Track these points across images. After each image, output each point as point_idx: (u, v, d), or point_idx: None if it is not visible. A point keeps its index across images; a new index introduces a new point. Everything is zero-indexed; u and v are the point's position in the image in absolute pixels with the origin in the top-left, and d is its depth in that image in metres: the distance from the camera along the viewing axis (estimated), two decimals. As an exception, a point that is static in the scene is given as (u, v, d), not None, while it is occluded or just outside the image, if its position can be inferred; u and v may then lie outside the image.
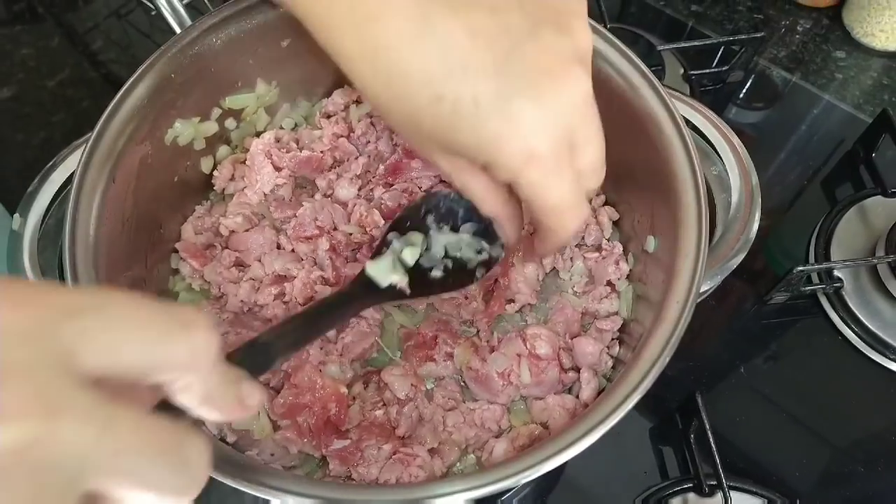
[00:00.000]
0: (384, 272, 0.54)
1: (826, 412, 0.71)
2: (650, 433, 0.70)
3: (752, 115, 0.95)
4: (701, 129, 0.61)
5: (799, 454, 0.69)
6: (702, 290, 0.51)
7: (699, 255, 0.49)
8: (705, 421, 0.63)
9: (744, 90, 0.96)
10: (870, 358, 0.74)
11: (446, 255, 0.57)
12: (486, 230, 0.57)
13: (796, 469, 0.68)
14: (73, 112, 0.95)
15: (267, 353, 0.42)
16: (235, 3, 0.60)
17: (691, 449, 0.66)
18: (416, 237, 0.57)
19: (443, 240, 0.57)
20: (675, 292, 0.49)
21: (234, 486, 0.42)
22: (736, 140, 0.61)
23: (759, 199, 0.58)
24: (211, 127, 0.64)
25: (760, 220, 0.84)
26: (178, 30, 0.76)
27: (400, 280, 0.54)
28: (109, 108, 0.54)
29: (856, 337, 0.74)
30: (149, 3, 1.02)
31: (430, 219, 0.58)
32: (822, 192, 0.87)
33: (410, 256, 0.56)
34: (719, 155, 0.60)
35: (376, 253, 0.56)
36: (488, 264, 0.57)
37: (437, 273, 0.56)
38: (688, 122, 0.60)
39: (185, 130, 0.61)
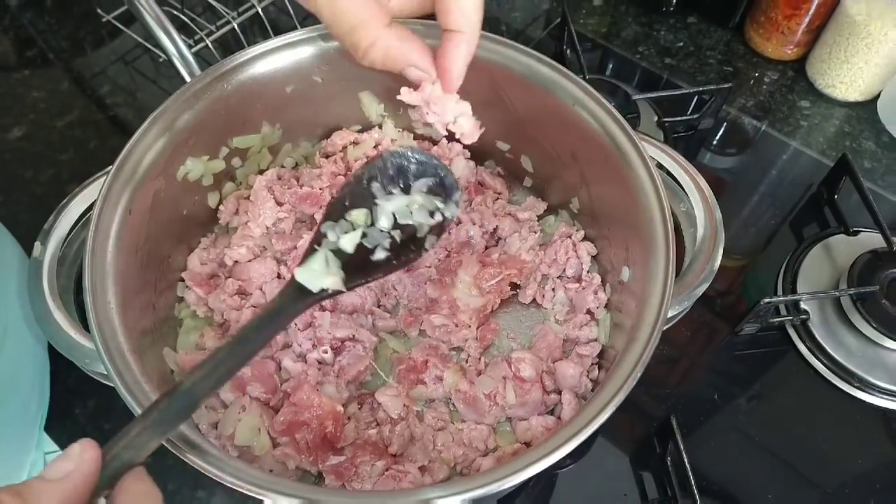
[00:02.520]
0: (315, 275, 0.52)
1: (795, 438, 0.75)
2: (630, 458, 0.73)
3: (725, 160, 1.01)
4: (671, 170, 0.66)
5: (770, 478, 0.72)
6: (670, 315, 0.56)
7: (667, 281, 0.54)
8: (680, 443, 0.67)
9: (716, 137, 1.02)
10: (836, 386, 0.78)
11: (395, 226, 0.55)
12: (441, 184, 0.56)
13: (768, 492, 0.71)
14: (80, 152, 0.99)
15: (189, 397, 0.45)
16: (243, 53, 0.65)
17: (668, 471, 0.70)
18: (359, 214, 0.55)
19: (391, 206, 0.56)
20: (646, 316, 0.53)
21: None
22: (702, 181, 0.67)
23: (723, 234, 0.63)
24: (218, 164, 0.69)
25: (737, 258, 0.90)
26: (187, 76, 0.82)
27: (332, 282, 0.52)
28: (129, 144, 0.59)
29: (822, 366, 0.79)
30: (158, 52, 1.08)
31: (376, 186, 0.56)
32: (791, 231, 0.93)
33: (350, 242, 0.54)
34: (687, 194, 0.65)
35: (308, 252, 0.55)
36: (440, 229, 0.56)
37: (380, 255, 0.54)
38: (659, 164, 0.66)
39: (195, 167, 0.66)
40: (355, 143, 0.77)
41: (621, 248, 0.66)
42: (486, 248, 0.75)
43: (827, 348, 0.79)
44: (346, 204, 0.56)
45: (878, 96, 1.04)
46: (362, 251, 0.54)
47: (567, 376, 0.63)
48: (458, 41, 0.49)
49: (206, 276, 0.69)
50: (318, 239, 0.55)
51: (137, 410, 0.47)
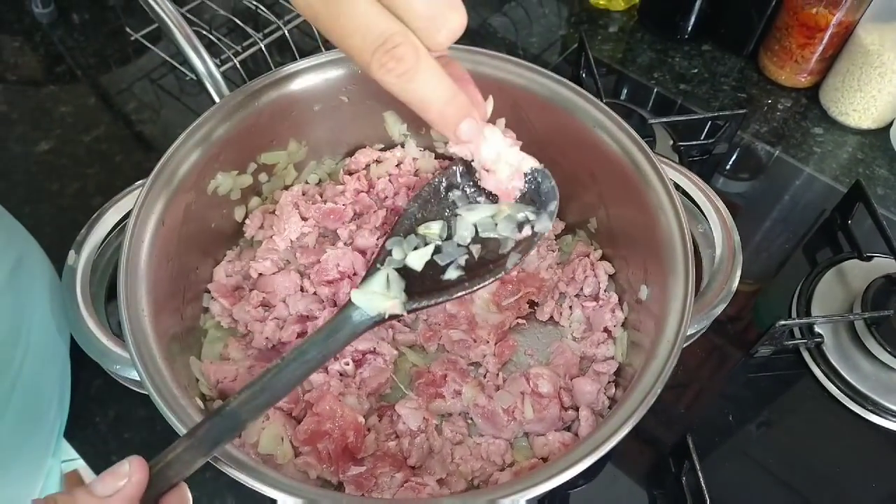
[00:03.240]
0: (373, 297, 0.48)
1: (809, 463, 0.75)
2: (644, 478, 0.74)
3: (738, 185, 1.03)
4: (688, 192, 0.67)
5: (784, 501, 0.73)
6: (689, 334, 0.57)
7: (686, 300, 0.55)
8: (696, 463, 0.67)
9: (730, 162, 1.04)
10: (850, 410, 0.78)
11: (475, 239, 0.50)
12: (536, 191, 0.49)
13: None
14: (106, 166, 1.01)
15: (234, 419, 0.45)
16: (277, 72, 0.68)
17: (683, 491, 0.70)
18: (433, 227, 0.50)
19: (474, 217, 0.50)
20: (666, 333, 0.54)
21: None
22: (720, 203, 0.68)
23: (741, 255, 0.65)
24: (246, 179, 0.71)
25: (750, 283, 0.91)
26: (215, 95, 0.84)
27: (392, 306, 0.48)
28: (166, 155, 0.61)
29: (837, 390, 0.79)
30: (183, 70, 1.11)
31: (456, 195, 0.51)
32: (804, 256, 0.94)
33: (419, 259, 0.49)
34: (705, 215, 0.67)
35: (370, 270, 0.51)
36: (527, 245, 0.49)
37: (452, 274, 0.49)
38: (677, 186, 0.67)
39: (224, 181, 0.68)
40: (378, 161, 0.79)
41: (639, 267, 0.67)
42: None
43: (841, 372, 0.79)
44: (418, 216, 0.51)
45: (891, 124, 1.05)
46: (432, 269, 0.50)
47: (584, 392, 0.64)
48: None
49: (231, 287, 0.70)
50: (382, 257, 0.51)
51: (169, 415, 0.48)
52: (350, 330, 0.49)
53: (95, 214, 0.66)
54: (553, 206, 0.50)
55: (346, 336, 0.49)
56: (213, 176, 0.67)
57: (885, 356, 0.78)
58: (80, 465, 0.84)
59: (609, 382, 0.67)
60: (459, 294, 0.49)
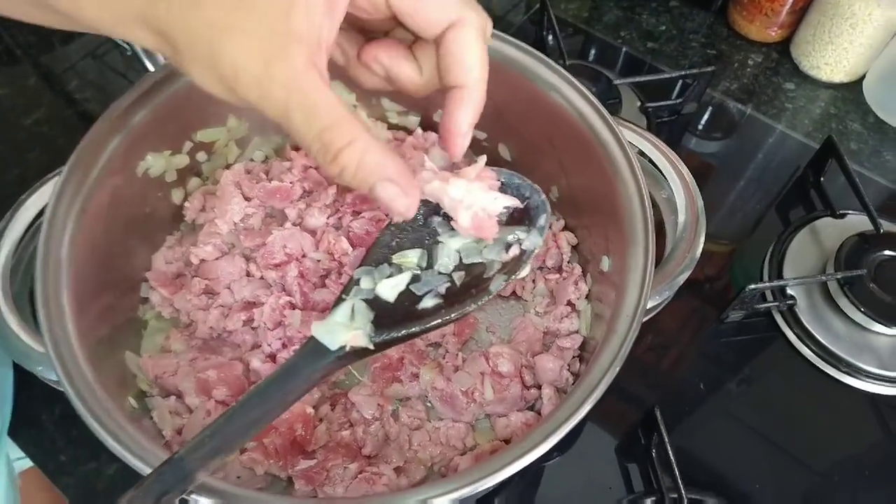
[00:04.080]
0: (335, 329, 0.44)
1: (783, 425, 0.73)
2: (615, 449, 0.72)
3: (710, 144, 0.99)
4: (651, 157, 0.64)
5: (757, 467, 0.71)
6: (651, 306, 0.54)
7: (646, 271, 0.52)
8: (664, 435, 0.65)
9: (701, 122, 1.00)
10: (824, 372, 0.76)
11: (458, 266, 0.46)
12: (525, 209, 0.46)
13: (756, 481, 0.70)
14: (47, 150, 0.96)
15: (181, 469, 0.40)
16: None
17: (653, 463, 0.68)
18: (410, 255, 0.46)
19: (457, 243, 0.47)
20: (625, 306, 0.51)
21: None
22: (683, 167, 0.64)
23: (704, 220, 0.61)
24: (182, 159, 0.67)
25: (725, 244, 0.88)
26: (150, 66, 0.79)
27: (354, 337, 0.43)
28: (83, 141, 0.56)
29: (810, 352, 0.77)
30: (124, 45, 1.05)
31: (437, 221, 0.47)
32: (777, 215, 0.91)
33: (391, 289, 0.45)
34: (668, 180, 0.63)
35: (336, 302, 0.46)
36: (514, 265, 0.46)
37: (428, 302, 0.45)
38: (640, 152, 0.64)
39: (156, 163, 0.63)
40: (327, 134, 0.74)
41: (601, 237, 0.64)
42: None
43: (814, 334, 0.77)
44: (393, 245, 0.47)
45: (863, 77, 1.02)
46: (407, 298, 0.45)
47: (547, 370, 0.61)
48: (462, 98, 0.42)
49: (172, 275, 0.66)
50: (349, 287, 0.46)
51: (89, 418, 0.45)
52: (310, 367, 0.44)
53: (15, 205, 0.61)
54: (543, 219, 0.46)
55: (306, 374, 0.44)
56: (143, 157, 0.62)
57: (858, 316, 0.76)
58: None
59: (574, 357, 0.64)
60: (435, 324, 0.45)
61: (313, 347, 0.44)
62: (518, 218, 0.47)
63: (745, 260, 0.87)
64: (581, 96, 0.62)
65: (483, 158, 0.48)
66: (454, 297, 0.45)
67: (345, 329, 0.44)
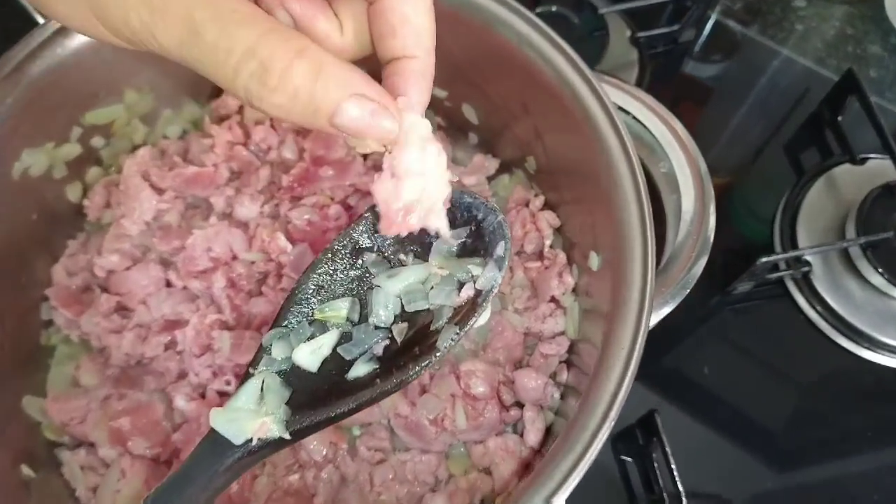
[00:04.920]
0: (239, 417, 0.34)
1: (796, 408, 0.66)
2: (612, 442, 0.64)
3: (709, 68, 0.87)
4: (646, 123, 0.52)
5: (768, 459, 0.64)
6: (661, 314, 0.44)
7: (646, 284, 0.42)
8: (665, 442, 0.57)
9: (699, 44, 0.87)
10: (841, 345, 0.68)
11: (401, 316, 0.37)
12: (477, 233, 0.36)
13: (768, 480, 0.63)
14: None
15: None
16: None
17: (653, 467, 0.60)
18: (339, 307, 0.37)
19: (397, 287, 0.36)
20: (618, 335, 0.41)
21: None
22: (679, 127, 0.53)
23: (712, 192, 0.51)
24: (71, 149, 0.54)
25: (723, 177, 0.78)
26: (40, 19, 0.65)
27: (262, 426, 0.34)
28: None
29: (825, 323, 0.68)
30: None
31: (371, 258, 0.37)
32: (787, 158, 0.80)
33: (312, 356, 0.36)
34: (667, 151, 0.52)
35: (242, 379, 0.36)
36: (467, 312, 0.36)
37: (360, 370, 0.35)
38: (634, 118, 0.52)
39: (37, 160, 0.51)
40: (255, 100, 0.61)
41: (587, 217, 0.53)
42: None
43: (830, 303, 0.68)
44: (313, 295, 0.37)
45: (885, -12, 0.88)
46: (334, 365, 0.36)
47: (528, 389, 0.51)
48: (411, 68, 0.32)
49: (78, 290, 0.55)
50: (257, 358, 0.37)
51: None
52: (209, 473, 0.34)
53: None
54: (501, 248, 0.36)
55: (203, 483, 0.34)
56: (17, 156, 0.49)
57: (881, 282, 0.66)
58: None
59: (560, 364, 0.55)
60: (368, 399, 0.35)
61: (212, 443, 0.34)
62: (471, 248, 0.36)
63: (752, 203, 0.76)
64: (557, 49, 0.50)
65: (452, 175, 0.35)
66: (392, 361, 0.35)
67: (252, 416, 0.34)
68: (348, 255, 0.37)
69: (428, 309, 0.36)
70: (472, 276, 0.36)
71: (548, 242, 0.58)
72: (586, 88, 0.48)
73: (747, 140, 0.82)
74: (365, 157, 0.60)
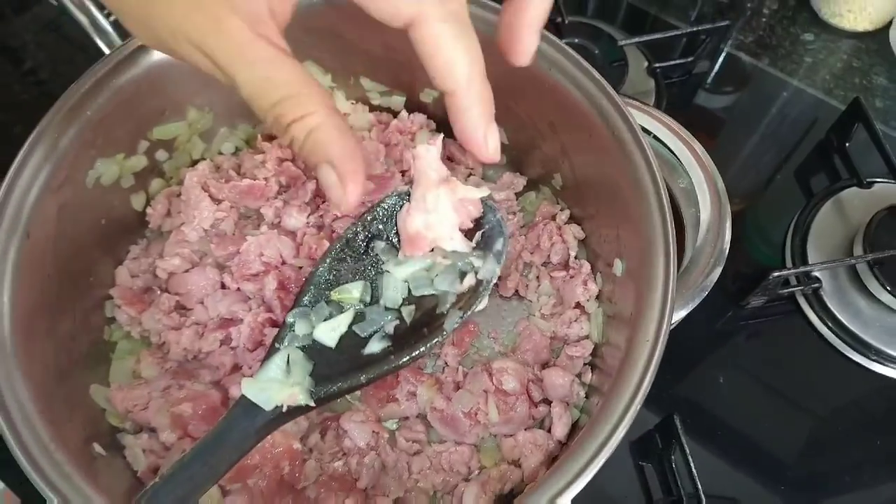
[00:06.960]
0: (270, 387, 0.38)
1: (809, 423, 0.69)
2: (630, 447, 0.67)
3: (721, 99, 0.92)
4: (667, 142, 0.57)
5: (786, 469, 0.67)
6: (680, 316, 0.48)
7: (668, 283, 0.46)
8: (685, 445, 0.60)
9: (711, 75, 0.92)
10: (851, 359, 0.71)
11: (408, 299, 0.41)
12: (478, 229, 0.41)
13: (780, 483, 0.66)
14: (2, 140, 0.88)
15: None
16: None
17: (673, 471, 0.63)
18: (351, 290, 0.41)
19: (404, 272, 0.41)
20: (642, 329, 0.45)
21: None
22: (698, 146, 0.58)
23: (729, 215, 0.55)
24: (139, 161, 0.59)
25: (737, 204, 0.81)
26: (105, 49, 0.71)
27: (291, 395, 0.38)
28: (18, 158, 0.49)
29: (836, 338, 0.72)
30: (81, 16, 0.95)
31: (381, 247, 0.42)
32: (797, 183, 0.84)
33: (331, 332, 0.40)
34: (686, 168, 0.56)
35: (269, 353, 0.41)
36: (470, 299, 0.40)
37: (375, 346, 0.40)
38: (656, 137, 0.56)
39: (108, 169, 0.56)
40: (302, 120, 0.66)
41: (612, 233, 0.57)
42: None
43: (841, 318, 0.72)
44: (330, 278, 0.41)
45: (889, 25, 0.93)
46: (351, 342, 0.40)
47: (556, 386, 0.55)
48: (457, 107, 0.36)
49: (140, 290, 0.60)
50: (283, 334, 0.41)
51: (33, 475, 0.40)
52: (241, 433, 0.39)
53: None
54: (500, 244, 0.41)
55: (237, 442, 0.38)
56: (91, 165, 0.55)
57: (889, 299, 0.70)
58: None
59: (584, 366, 0.58)
60: (384, 371, 0.39)
61: (244, 408, 0.39)
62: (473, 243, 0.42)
63: (763, 228, 0.80)
64: (584, 74, 0.55)
65: (485, 191, 0.41)
66: (404, 339, 0.40)
67: (280, 386, 0.39)
68: (361, 243, 0.42)
69: (433, 294, 0.41)
70: (474, 266, 0.41)
71: (573, 253, 0.63)
72: (613, 109, 0.53)
73: (759, 167, 0.85)
74: (403, 172, 0.65)
